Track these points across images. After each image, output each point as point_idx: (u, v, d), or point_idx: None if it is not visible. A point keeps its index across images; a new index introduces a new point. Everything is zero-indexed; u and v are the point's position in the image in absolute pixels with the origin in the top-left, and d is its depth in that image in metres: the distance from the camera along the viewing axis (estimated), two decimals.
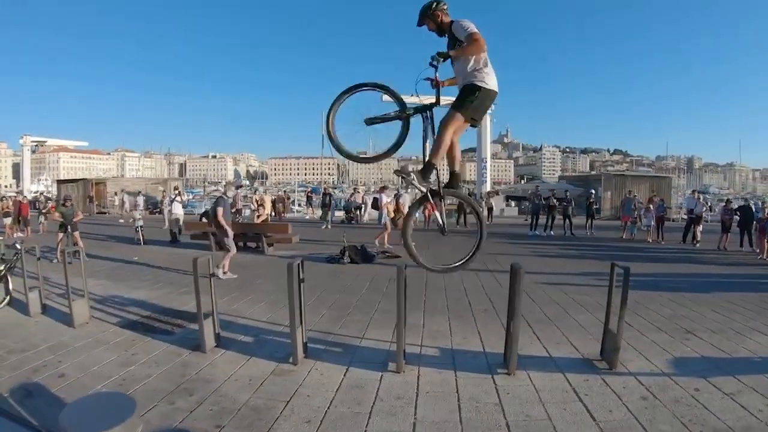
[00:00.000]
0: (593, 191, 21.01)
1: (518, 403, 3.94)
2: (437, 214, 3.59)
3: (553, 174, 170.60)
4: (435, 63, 3.21)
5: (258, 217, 14.34)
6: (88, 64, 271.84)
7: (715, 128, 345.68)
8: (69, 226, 11.10)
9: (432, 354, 5.15)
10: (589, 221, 18.15)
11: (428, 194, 3.44)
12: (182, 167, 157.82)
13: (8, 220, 17.59)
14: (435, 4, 3.41)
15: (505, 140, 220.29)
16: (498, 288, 7.91)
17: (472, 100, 3.29)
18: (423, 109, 3.44)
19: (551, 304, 7.21)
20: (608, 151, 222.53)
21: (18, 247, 7.29)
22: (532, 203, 19.26)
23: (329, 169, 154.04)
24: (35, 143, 44.81)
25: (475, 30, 3.20)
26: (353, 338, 5.69)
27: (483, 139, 34.87)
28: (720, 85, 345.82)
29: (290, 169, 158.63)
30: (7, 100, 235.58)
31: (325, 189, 24.00)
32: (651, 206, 16.54)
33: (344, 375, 4.56)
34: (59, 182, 38.50)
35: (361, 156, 3.72)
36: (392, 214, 13.59)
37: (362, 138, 3.45)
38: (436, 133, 3.34)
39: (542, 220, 18.12)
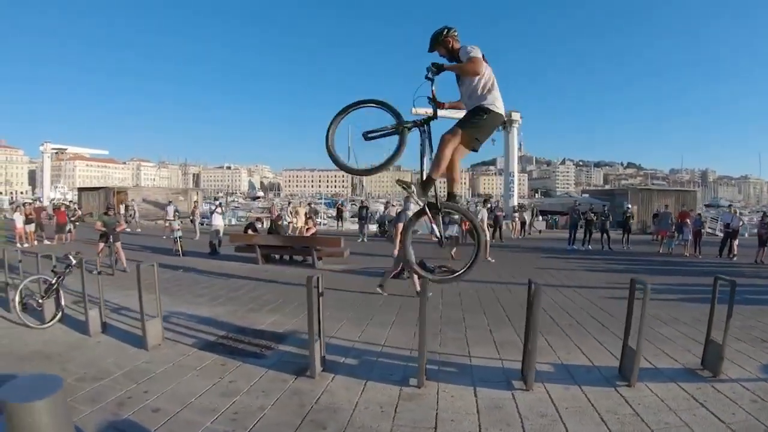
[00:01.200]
0: (629, 206, 21.19)
1: (652, 413, 3.96)
2: (434, 226, 3.63)
3: (568, 187, 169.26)
4: (431, 75, 3.27)
5: (307, 230, 13.70)
6: (103, 74, 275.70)
7: (730, 141, 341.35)
8: (111, 237, 10.54)
9: (547, 370, 4.94)
10: (626, 236, 17.97)
11: (426, 208, 3.52)
12: (196, 178, 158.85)
13: (31, 227, 17.12)
14: (446, 30, 3.51)
15: (519, 154, 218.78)
16: (568, 302, 8.14)
17: (478, 121, 3.37)
18: (420, 123, 3.46)
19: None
20: (622, 164, 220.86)
21: (72, 258, 6.68)
22: (571, 217, 18.86)
23: (343, 181, 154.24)
24: (55, 150, 44.78)
25: (478, 54, 3.29)
26: (460, 356, 5.37)
27: (510, 153, 34.45)
28: (737, 98, 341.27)
29: (304, 181, 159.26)
30: (23, 107, 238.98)
31: (362, 202, 23.58)
32: (688, 220, 16.23)
33: (475, 395, 4.31)
34: (80, 190, 38.33)
35: (357, 169, 3.65)
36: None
37: (372, 152, 3.44)
38: (436, 149, 3.39)
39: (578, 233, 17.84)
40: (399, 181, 3.64)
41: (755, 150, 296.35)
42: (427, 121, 3.50)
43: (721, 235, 17.04)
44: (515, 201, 33.55)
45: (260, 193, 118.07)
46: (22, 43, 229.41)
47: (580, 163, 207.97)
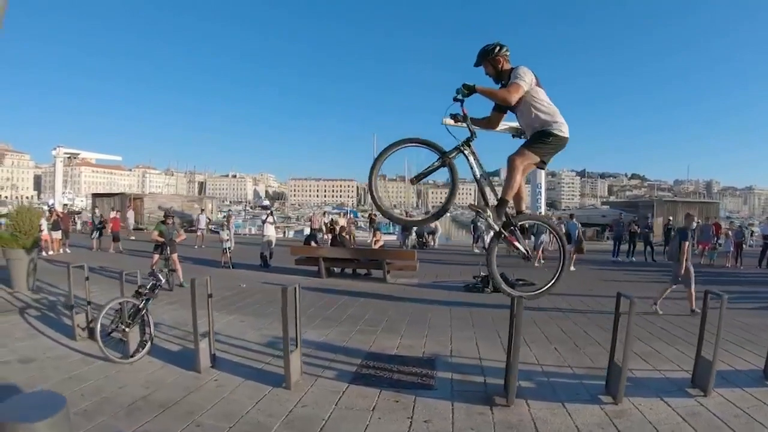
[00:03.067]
0: (671, 218, 21.14)
1: None
2: (517, 244, 3.52)
3: (573, 199, 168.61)
4: (460, 97, 3.19)
5: (375, 242, 12.72)
6: (110, 81, 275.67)
7: (735, 151, 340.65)
8: (168, 248, 9.42)
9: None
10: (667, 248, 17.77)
11: (501, 230, 3.46)
12: (202, 186, 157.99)
13: (57, 234, 15.89)
14: (498, 48, 3.35)
15: None
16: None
17: (545, 143, 3.32)
18: (462, 147, 3.38)
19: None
20: (626, 175, 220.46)
21: (160, 277, 5.61)
22: (616, 230, 19.31)
23: (349, 191, 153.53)
24: (68, 155, 43.70)
25: (523, 82, 3.21)
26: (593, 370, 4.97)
27: None
28: (742, 108, 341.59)
29: (310, 190, 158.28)
30: (27, 112, 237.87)
31: (407, 212, 22.98)
32: (729, 232, 16.87)
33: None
34: (95, 196, 37.31)
35: (415, 220, 3.96)
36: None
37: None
38: (507, 171, 3.33)
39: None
40: (472, 206, 3.64)
41: (760, 160, 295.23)
42: (468, 141, 3.39)
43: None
44: (543, 212, 32.75)
45: (266, 202, 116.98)
46: (27, 48, 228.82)
47: (584, 173, 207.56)
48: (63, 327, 6.14)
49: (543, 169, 3.55)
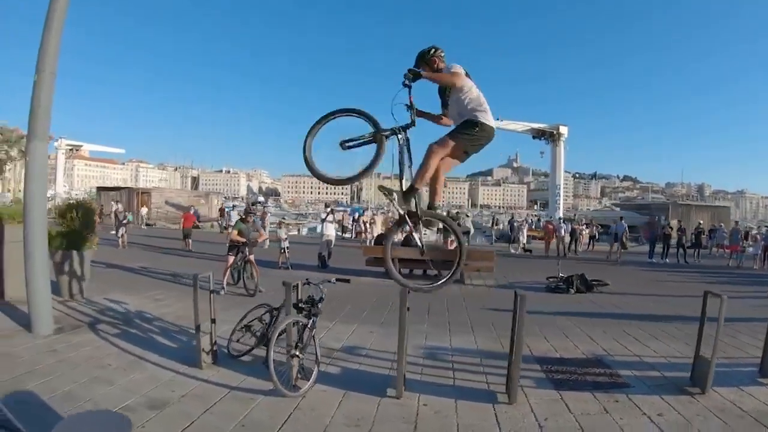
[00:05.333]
0: (701, 222, 22.07)
1: None
2: (415, 235, 3.59)
3: (566, 200, 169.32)
4: (407, 82, 3.25)
5: (451, 242, 11.92)
6: (103, 73, 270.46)
7: (725, 154, 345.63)
8: (247, 249, 8.46)
9: None
10: (697, 250, 18.86)
11: (405, 216, 3.42)
12: (195, 181, 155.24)
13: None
14: (433, 50, 3.51)
15: (515, 165, 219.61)
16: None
17: (470, 134, 3.32)
18: (398, 131, 3.36)
19: None
20: (618, 177, 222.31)
21: (331, 281, 4.66)
22: (650, 231, 20.05)
23: (343, 188, 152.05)
24: (70, 147, 42.19)
25: (459, 70, 3.36)
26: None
27: (557, 166, 33.34)
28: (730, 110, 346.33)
29: (304, 187, 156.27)
30: (19, 101, 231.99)
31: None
32: (758, 236, 18.01)
33: None
34: (99, 189, 35.84)
35: (334, 178, 3.51)
36: None
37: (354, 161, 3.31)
38: (422, 158, 3.34)
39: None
40: (381, 188, 3.63)
41: (750, 164, 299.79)
42: (405, 128, 3.39)
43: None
44: (561, 213, 32.41)
45: (261, 198, 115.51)
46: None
47: (576, 175, 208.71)
48: (163, 349, 5.03)
49: (461, 162, 3.57)
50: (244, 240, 8.27)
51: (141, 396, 3.77)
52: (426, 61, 3.50)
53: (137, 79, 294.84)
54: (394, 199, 3.46)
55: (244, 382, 4.18)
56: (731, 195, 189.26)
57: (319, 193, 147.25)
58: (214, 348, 4.65)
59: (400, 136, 3.38)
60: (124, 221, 16.26)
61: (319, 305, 4.36)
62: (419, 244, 3.62)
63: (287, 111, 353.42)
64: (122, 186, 38.29)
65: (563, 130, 33.38)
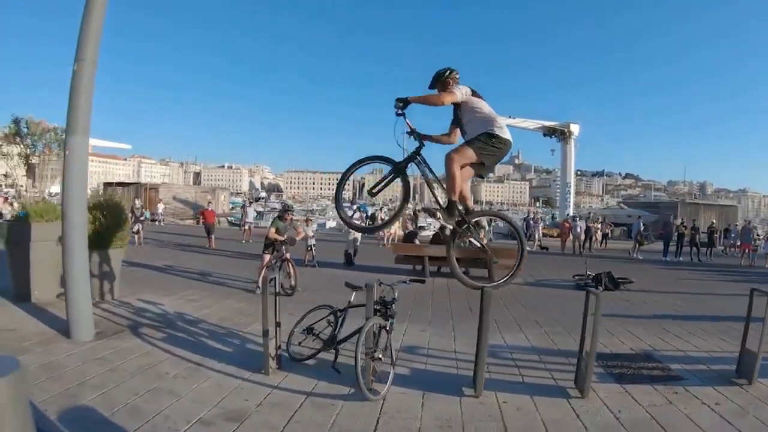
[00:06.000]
0: (714, 221, 21.99)
1: None
2: (473, 239, 3.74)
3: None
4: (399, 111, 3.35)
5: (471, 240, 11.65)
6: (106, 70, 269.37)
7: (728, 154, 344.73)
8: (284, 248, 8.16)
9: None
10: (710, 249, 19.09)
11: (456, 228, 3.61)
12: (198, 176, 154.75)
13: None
14: (448, 72, 3.59)
15: (516, 161, 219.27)
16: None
17: (487, 143, 3.41)
18: (412, 158, 3.54)
19: None
20: (620, 174, 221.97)
21: (406, 282, 4.44)
22: (665, 230, 19.86)
23: (345, 185, 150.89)
24: None
25: (456, 89, 3.46)
26: None
27: (568, 164, 33.15)
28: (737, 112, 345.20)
29: (306, 182, 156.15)
30: (23, 96, 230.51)
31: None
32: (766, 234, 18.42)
33: None
34: (106, 185, 35.51)
35: (380, 225, 4.52)
36: None
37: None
38: (445, 171, 3.46)
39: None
40: (425, 209, 4.11)
41: (752, 163, 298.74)
42: (417, 151, 3.54)
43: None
44: (571, 211, 32.17)
45: (263, 194, 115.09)
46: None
47: (579, 172, 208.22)
48: (219, 354, 4.73)
49: (481, 176, 3.65)
50: (282, 239, 7.97)
51: (215, 407, 3.47)
52: (441, 81, 3.60)
53: (140, 74, 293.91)
54: (440, 218, 3.71)
55: (317, 387, 3.95)
56: (733, 193, 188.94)
57: (321, 189, 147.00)
58: (278, 352, 4.39)
59: (416, 160, 3.57)
60: (141, 218, 15.95)
61: (393, 306, 4.11)
62: (480, 245, 3.81)
63: (293, 103, 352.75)
64: (127, 182, 37.74)
65: (574, 128, 33.10)
